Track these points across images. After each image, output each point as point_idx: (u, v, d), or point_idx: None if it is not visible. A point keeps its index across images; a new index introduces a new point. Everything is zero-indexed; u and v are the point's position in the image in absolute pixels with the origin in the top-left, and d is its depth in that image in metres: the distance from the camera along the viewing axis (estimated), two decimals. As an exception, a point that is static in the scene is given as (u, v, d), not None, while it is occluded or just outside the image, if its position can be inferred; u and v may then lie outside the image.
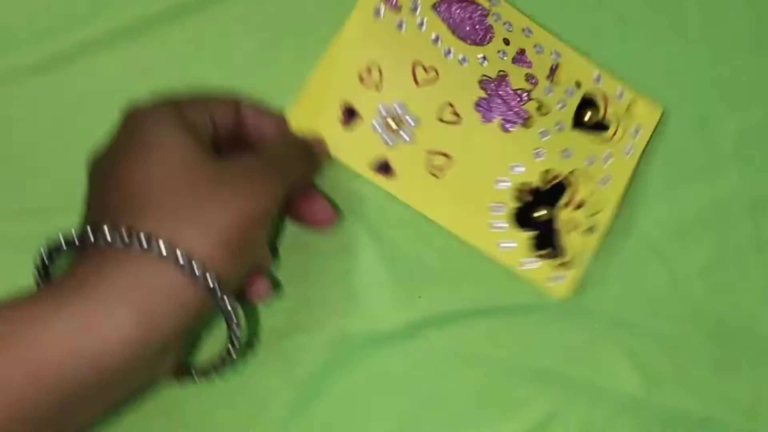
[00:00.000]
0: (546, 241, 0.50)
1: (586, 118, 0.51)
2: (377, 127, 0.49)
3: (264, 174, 0.42)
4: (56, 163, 0.47)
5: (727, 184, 0.53)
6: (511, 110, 0.50)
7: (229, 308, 0.40)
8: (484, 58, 0.50)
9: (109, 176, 0.41)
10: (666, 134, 0.52)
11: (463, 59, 0.50)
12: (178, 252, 0.37)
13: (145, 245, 0.37)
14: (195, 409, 0.47)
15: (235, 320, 0.41)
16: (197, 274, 0.37)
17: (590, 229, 0.50)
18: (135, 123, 0.42)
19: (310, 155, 0.47)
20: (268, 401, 0.47)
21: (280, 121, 0.48)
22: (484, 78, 0.50)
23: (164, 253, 0.37)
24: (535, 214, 0.50)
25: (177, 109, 0.43)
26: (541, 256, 0.49)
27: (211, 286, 0.38)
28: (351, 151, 0.49)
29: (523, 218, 0.50)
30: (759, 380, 0.51)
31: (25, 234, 0.44)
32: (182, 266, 0.37)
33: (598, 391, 0.50)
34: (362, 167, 0.49)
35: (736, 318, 0.52)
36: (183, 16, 0.48)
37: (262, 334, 0.48)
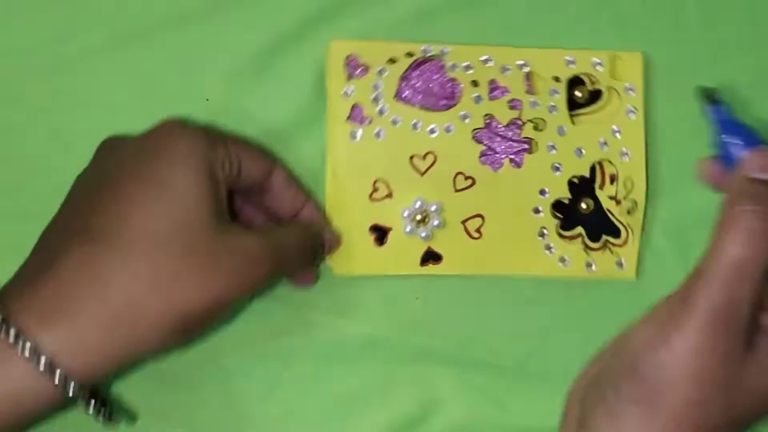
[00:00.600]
0: (599, 229, 0.51)
1: (579, 95, 0.51)
2: (409, 229, 0.50)
3: (259, 263, 0.42)
4: (56, 167, 0.47)
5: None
6: (513, 142, 0.51)
7: (91, 412, 0.39)
8: (465, 115, 0.50)
9: (100, 187, 0.42)
10: (665, 135, 0.53)
11: (448, 128, 0.50)
12: (42, 359, 0.37)
13: (13, 341, 0.37)
14: (189, 408, 0.48)
15: (101, 419, 0.40)
16: (56, 382, 0.37)
17: (632, 207, 0.51)
18: (163, 138, 0.42)
19: (318, 251, 0.48)
20: (266, 400, 0.49)
21: (308, 202, 0.49)
22: (475, 132, 0.50)
23: (27, 355, 0.37)
24: (582, 206, 0.51)
25: (208, 141, 0.43)
26: (599, 248, 0.51)
27: (70, 395, 0.38)
28: (397, 260, 0.50)
29: (569, 220, 0.51)
30: None
31: (25, 237, 0.46)
32: (43, 372, 0.37)
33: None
34: (412, 268, 0.50)
35: None
36: (185, 24, 0.49)
37: (260, 333, 0.49)
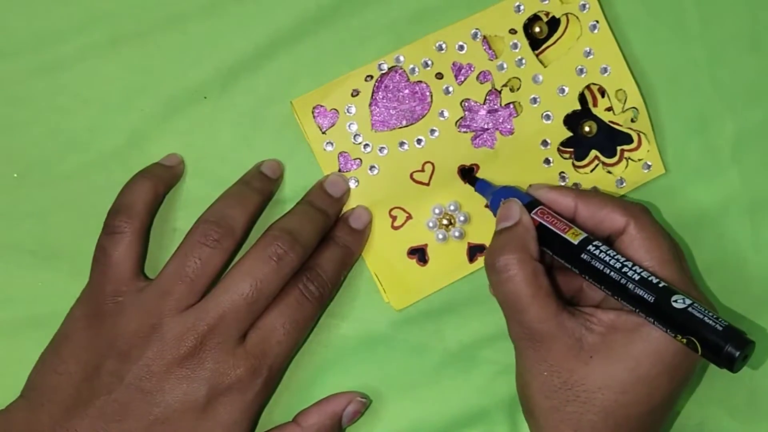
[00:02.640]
0: (611, 142, 0.52)
1: (538, 31, 0.51)
2: (442, 237, 0.51)
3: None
4: (56, 165, 0.49)
5: (726, 185, 0.52)
6: (496, 113, 0.51)
7: None
8: (442, 112, 0.51)
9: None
10: (664, 136, 0.52)
11: (432, 131, 0.51)
12: None
13: None
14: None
15: None
16: None
17: (635, 115, 0.52)
18: None
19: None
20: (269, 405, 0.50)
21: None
22: (459, 122, 0.51)
23: None
24: (586, 129, 0.52)
25: None
26: (618, 161, 0.52)
27: None
28: (447, 270, 0.51)
29: (580, 150, 0.52)
30: (756, 384, 0.52)
31: (23, 235, 0.49)
32: None
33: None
34: (464, 269, 0.52)
35: (735, 319, 0.51)
36: (183, 22, 0.49)
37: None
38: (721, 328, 0.41)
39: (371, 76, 0.50)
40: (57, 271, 0.49)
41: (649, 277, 0.44)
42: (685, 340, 0.42)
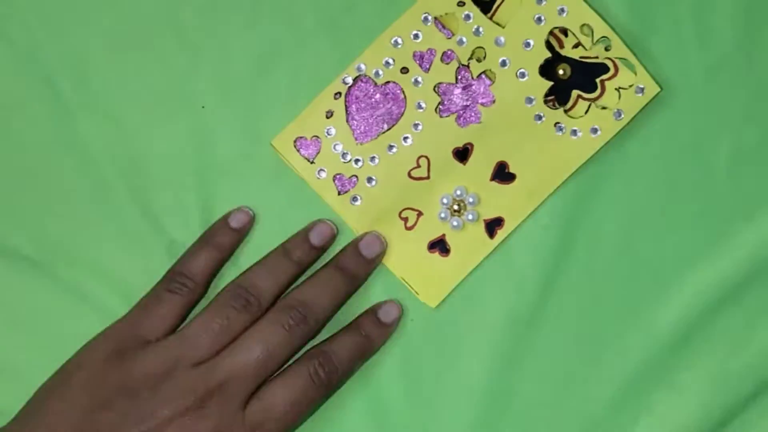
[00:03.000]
0: (589, 76, 0.51)
1: None
2: (457, 224, 0.51)
3: None
4: (54, 174, 0.50)
5: (721, 202, 0.51)
6: (470, 88, 0.51)
7: None
8: (419, 104, 0.50)
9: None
10: (660, 154, 0.51)
11: (415, 126, 0.51)
12: None
13: None
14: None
15: None
16: None
17: (607, 44, 0.51)
18: None
19: None
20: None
21: None
22: (438, 108, 0.51)
23: None
24: (560, 72, 0.51)
25: None
26: (601, 94, 0.51)
27: None
28: (470, 253, 0.51)
29: (562, 95, 0.51)
30: (758, 392, 0.51)
31: (20, 241, 0.50)
32: None
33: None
34: (486, 246, 0.51)
35: (735, 340, 0.51)
36: (181, 32, 0.50)
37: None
38: None
39: (339, 93, 0.50)
40: (55, 278, 0.49)
41: None
42: None
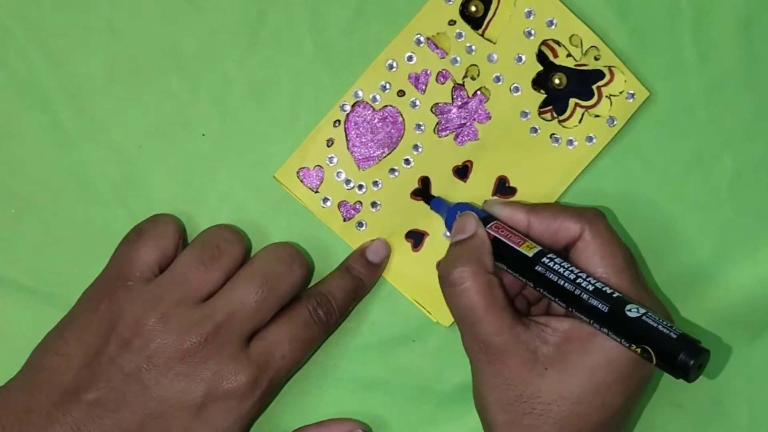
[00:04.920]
0: (585, 84, 0.51)
1: (474, 10, 0.51)
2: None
3: None
4: (54, 202, 0.50)
5: (723, 220, 0.52)
6: (467, 106, 0.51)
7: None
8: (418, 125, 0.51)
9: None
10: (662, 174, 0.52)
11: (415, 147, 0.51)
12: None
13: None
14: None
15: None
16: None
17: (597, 54, 0.52)
18: None
19: None
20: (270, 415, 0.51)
21: None
22: (436, 128, 0.51)
23: None
24: (556, 82, 0.52)
25: None
26: (597, 102, 0.52)
27: None
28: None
29: (558, 104, 0.52)
30: (755, 401, 0.53)
31: (20, 271, 0.50)
32: None
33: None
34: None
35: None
36: (180, 58, 0.50)
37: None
38: (675, 336, 0.41)
39: (339, 121, 0.50)
40: (54, 307, 0.49)
41: (603, 287, 0.43)
42: (639, 350, 0.42)
